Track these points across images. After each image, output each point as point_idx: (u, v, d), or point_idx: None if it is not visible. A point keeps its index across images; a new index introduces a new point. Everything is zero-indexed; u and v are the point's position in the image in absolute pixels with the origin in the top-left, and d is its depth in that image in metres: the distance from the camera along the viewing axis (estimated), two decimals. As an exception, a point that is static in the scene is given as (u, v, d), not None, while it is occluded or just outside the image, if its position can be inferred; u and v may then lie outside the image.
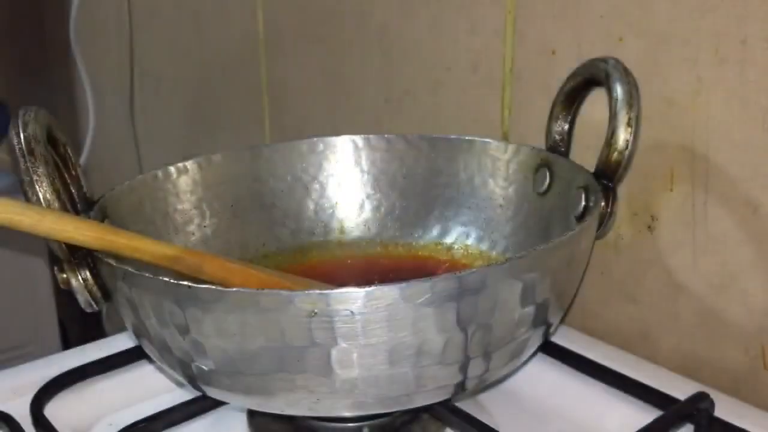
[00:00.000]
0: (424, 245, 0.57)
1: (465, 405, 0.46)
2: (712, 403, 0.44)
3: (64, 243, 0.40)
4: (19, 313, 1.17)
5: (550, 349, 0.51)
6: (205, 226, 0.55)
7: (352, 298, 0.34)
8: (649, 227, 0.52)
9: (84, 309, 0.42)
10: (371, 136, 0.58)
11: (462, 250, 0.56)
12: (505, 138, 0.60)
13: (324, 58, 0.76)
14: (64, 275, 0.41)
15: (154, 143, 1.14)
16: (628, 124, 0.46)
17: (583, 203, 0.47)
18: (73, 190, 0.46)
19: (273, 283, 0.45)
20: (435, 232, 0.57)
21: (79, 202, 0.46)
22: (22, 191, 0.39)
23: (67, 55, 1.18)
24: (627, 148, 0.46)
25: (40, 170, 0.39)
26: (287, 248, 0.57)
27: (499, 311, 0.37)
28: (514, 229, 0.53)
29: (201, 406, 0.45)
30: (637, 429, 0.41)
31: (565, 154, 0.52)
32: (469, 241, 0.56)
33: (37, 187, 0.39)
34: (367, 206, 0.58)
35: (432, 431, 0.46)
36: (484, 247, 0.55)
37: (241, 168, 0.56)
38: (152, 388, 0.51)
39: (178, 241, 0.53)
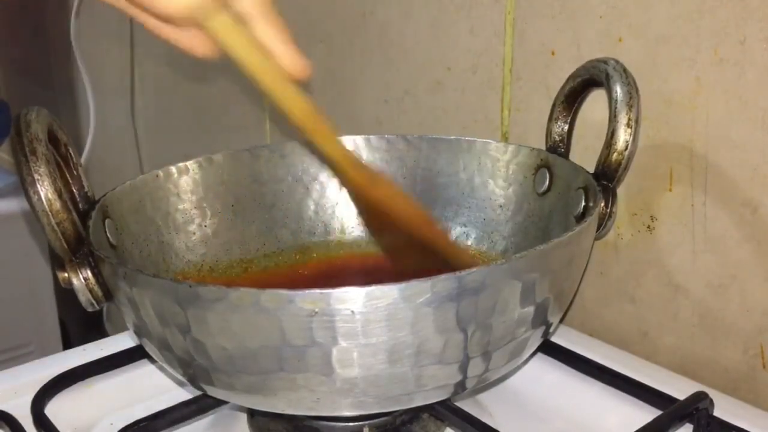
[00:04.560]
0: (424, 245, 0.57)
1: (465, 404, 0.46)
2: (711, 403, 0.44)
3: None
4: (20, 313, 1.17)
5: (550, 349, 0.51)
6: (205, 226, 0.55)
7: (353, 298, 0.34)
8: (648, 227, 0.52)
9: (85, 308, 0.42)
10: (371, 136, 0.58)
11: (462, 250, 0.56)
12: (505, 138, 0.60)
13: (324, 58, 0.76)
14: (66, 274, 0.41)
15: (154, 143, 1.14)
16: (628, 125, 0.46)
17: (583, 203, 0.47)
18: (74, 190, 0.47)
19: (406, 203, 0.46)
20: (435, 232, 0.57)
21: (80, 202, 0.47)
22: (24, 191, 0.40)
23: (68, 55, 1.18)
24: (627, 148, 0.46)
25: (42, 170, 0.39)
26: (287, 248, 0.57)
27: (499, 311, 0.37)
28: (514, 229, 0.54)
29: (202, 405, 0.45)
30: (636, 428, 0.41)
31: (565, 154, 0.52)
32: (469, 242, 0.56)
33: (38, 186, 0.39)
34: (368, 206, 0.58)
35: (432, 430, 0.46)
36: (484, 247, 0.55)
37: (242, 168, 0.57)
38: (153, 388, 0.51)
39: (179, 241, 0.53)
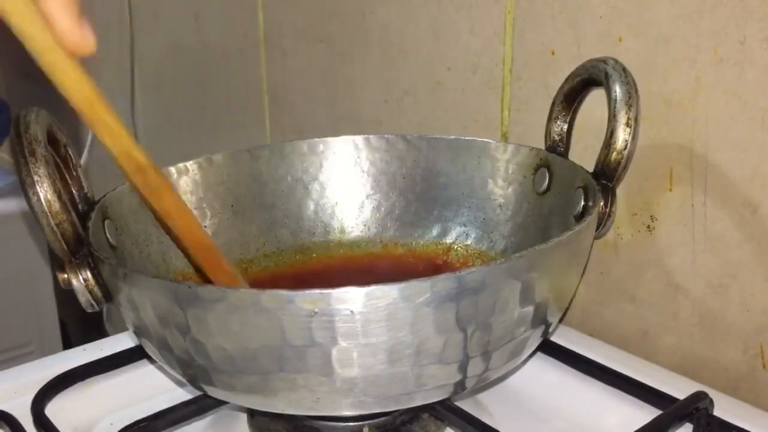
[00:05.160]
0: (423, 245, 0.57)
1: (465, 404, 0.46)
2: (711, 403, 0.44)
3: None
4: (20, 313, 1.17)
5: (549, 348, 0.51)
6: (205, 226, 0.55)
7: (353, 298, 0.34)
8: (648, 227, 0.52)
9: (85, 309, 0.42)
10: (371, 136, 0.58)
11: (462, 250, 0.56)
12: (504, 138, 0.60)
13: (324, 58, 0.76)
14: (65, 275, 0.41)
15: (154, 143, 1.14)
16: (627, 125, 0.46)
17: (583, 203, 0.47)
18: (74, 190, 0.47)
19: (206, 250, 0.42)
20: (435, 232, 0.57)
21: (80, 202, 0.47)
22: (23, 191, 0.40)
23: (68, 55, 1.18)
24: (626, 148, 0.46)
25: (41, 171, 0.39)
26: (287, 248, 0.58)
27: (499, 311, 0.37)
28: (514, 229, 0.54)
29: (201, 405, 0.45)
30: (636, 428, 0.41)
31: (565, 154, 0.52)
32: (469, 241, 0.56)
33: (38, 187, 0.39)
34: (367, 206, 0.58)
35: (432, 430, 0.46)
36: (483, 247, 0.55)
37: (242, 168, 0.57)
38: (153, 388, 0.51)
39: (178, 241, 0.53)
